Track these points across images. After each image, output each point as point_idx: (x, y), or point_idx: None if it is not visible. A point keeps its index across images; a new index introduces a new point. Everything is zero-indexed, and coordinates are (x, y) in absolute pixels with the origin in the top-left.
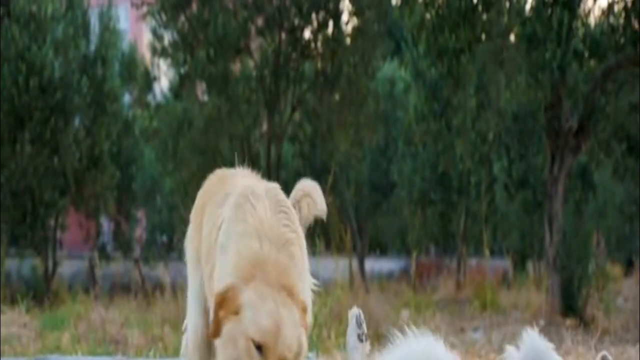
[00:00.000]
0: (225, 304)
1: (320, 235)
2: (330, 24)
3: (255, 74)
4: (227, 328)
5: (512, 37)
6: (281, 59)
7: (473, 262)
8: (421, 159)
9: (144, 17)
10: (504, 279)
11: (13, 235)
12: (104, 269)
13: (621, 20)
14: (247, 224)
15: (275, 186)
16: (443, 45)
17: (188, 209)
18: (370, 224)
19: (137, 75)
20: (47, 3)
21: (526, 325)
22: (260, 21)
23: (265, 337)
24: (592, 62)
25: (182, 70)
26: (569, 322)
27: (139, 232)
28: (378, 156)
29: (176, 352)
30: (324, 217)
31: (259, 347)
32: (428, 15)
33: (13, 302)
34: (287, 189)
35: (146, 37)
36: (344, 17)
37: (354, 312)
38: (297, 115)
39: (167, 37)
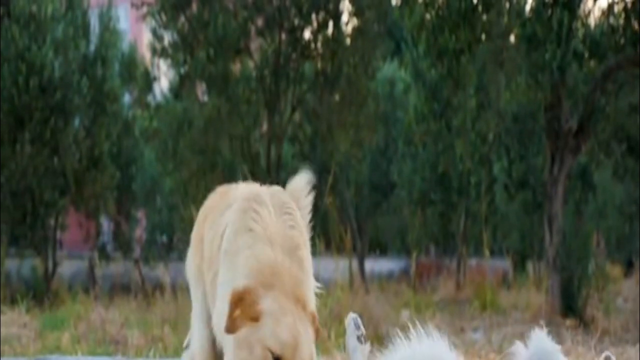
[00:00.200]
0: (243, 304)
1: (320, 236)
2: (330, 24)
3: (255, 74)
4: (245, 332)
5: (512, 38)
6: (281, 59)
7: (473, 262)
8: (421, 159)
9: (144, 17)
10: (504, 280)
11: (13, 235)
12: (104, 269)
13: (621, 21)
14: (255, 227)
15: (278, 189)
16: (443, 45)
17: (188, 209)
18: (370, 224)
19: (137, 76)
20: (47, 3)
21: (526, 326)
22: (260, 21)
23: (284, 350)
24: (592, 63)
25: (182, 71)
26: (568, 322)
27: (139, 232)
28: (378, 156)
29: (176, 352)
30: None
31: (275, 359)
32: (428, 16)
33: (13, 302)
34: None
35: (146, 38)
36: (344, 17)
37: (351, 316)
38: (297, 116)
39: (167, 37)
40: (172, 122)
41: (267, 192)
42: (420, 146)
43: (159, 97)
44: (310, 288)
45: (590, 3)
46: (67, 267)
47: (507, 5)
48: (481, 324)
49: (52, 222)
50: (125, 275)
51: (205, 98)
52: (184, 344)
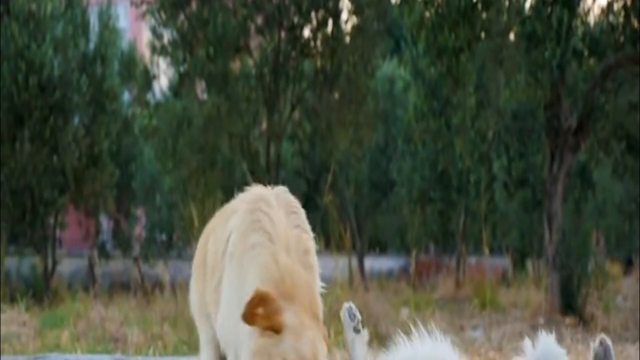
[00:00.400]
0: (267, 307)
1: (320, 234)
2: (330, 22)
3: (254, 72)
4: (265, 342)
5: (511, 36)
6: (280, 57)
7: (472, 260)
8: (421, 157)
9: (143, 15)
10: (503, 278)
11: (12, 233)
12: (104, 267)
13: (621, 19)
14: (265, 227)
15: (282, 188)
16: (442, 43)
17: (188, 207)
18: (369, 222)
19: (136, 74)
20: (47, 1)
21: (526, 324)
22: (259, 20)
23: None
24: (592, 61)
25: (182, 69)
26: (568, 320)
27: (139, 230)
28: (377, 155)
29: (175, 350)
30: None
31: None
32: (427, 14)
33: (12, 300)
34: (287, 187)
35: (145, 36)
36: (344, 15)
37: (345, 307)
38: (296, 114)
39: (167, 35)
40: (172, 120)
41: (272, 192)
42: (420, 144)
43: (158, 95)
44: (319, 297)
45: (589, 1)
46: (67, 266)
47: (507, 3)
48: (481, 322)
49: (51, 220)
50: (124, 273)
51: (205, 96)
52: None
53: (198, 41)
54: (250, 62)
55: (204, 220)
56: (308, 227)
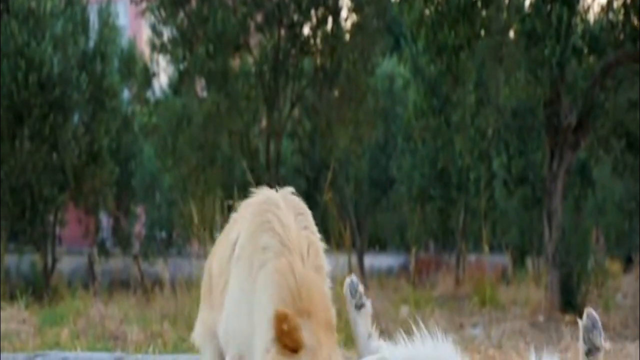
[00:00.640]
0: (287, 325)
1: (319, 232)
2: (330, 20)
3: (254, 70)
4: None
5: (511, 34)
6: (280, 55)
7: (472, 258)
8: (420, 155)
9: (143, 13)
10: (503, 275)
11: (12, 231)
12: (103, 264)
13: (620, 17)
14: (274, 232)
15: (288, 190)
16: (442, 41)
17: (187, 205)
18: (369, 220)
19: (136, 72)
20: None
21: (525, 321)
22: (259, 17)
23: None
24: (592, 59)
25: (182, 67)
26: (568, 318)
27: (138, 228)
28: (377, 152)
29: (175, 348)
30: None
31: None
32: (427, 12)
33: (12, 298)
34: (287, 185)
35: (145, 33)
36: (343, 13)
37: (347, 282)
38: (296, 112)
39: (167, 33)
40: (172, 118)
41: (278, 194)
42: (420, 142)
43: (158, 93)
44: (330, 301)
45: None
46: (67, 263)
47: (507, 1)
48: (480, 320)
49: (51, 217)
50: (124, 271)
51: (205, 94)
52: None
53: (198, 39)
54: (250, 59)
55: (203, 218)
56: (315, 228)
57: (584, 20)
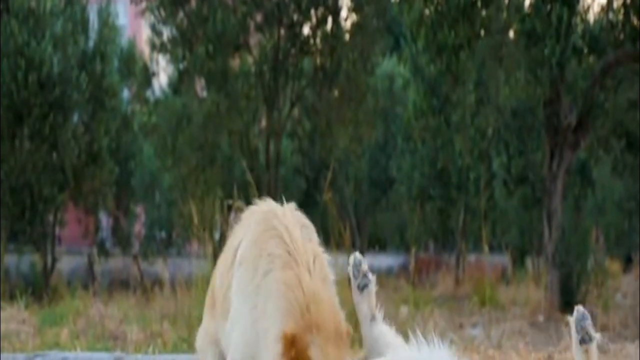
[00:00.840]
0: (295, 351)
1: (319, 232)
2: (329, 19)
3: (254, 69)
4: None
5: (511, 33)
6: (280, 54)
7: (472, 258)
8: (420, 155)
9: (142, 12)
10: (503, 275)
11: (12, 231)
12: (103, 264)
13: (620, 17)
14: (281, 238)
15: (291, 205)
16: (442, 41)
17: (187, 205)
18: (369, 220)
19: (136, 71)
20: None
21: (525, 321)
22: (259, 17)
23: None
24: (591, 59)
25: (181, 66)
26: (567, 318)
27: (138, 227)
28: (377, 152)
29: (175, 348)
30: None
31: None
32: (427, 11)
33: (12, 298)
34: (286, 184)
35: (145, 33)
36: (343, 13)
37: (350, 260)
38: (296, 111)
39: (166, 32)
40: (171, 117)
41: (281, 206)
42: (420, 142)
43: (158, 92)
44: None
45: None
46: (66, 263)
47: (506, 0)
48: (480, 320)
49: (51, 217)
50: (124, 270)
51: (204, 93)
52: None
53: (197, 38)
54: (250, 59)
55: (203, 218)
56: (318, 242)
57: (584, 20)
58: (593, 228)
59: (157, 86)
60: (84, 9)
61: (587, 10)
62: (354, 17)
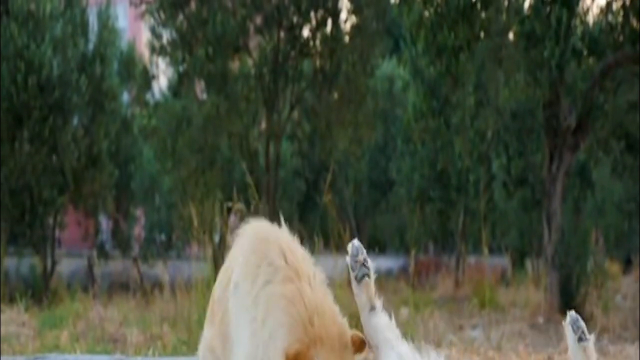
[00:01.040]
0: None
1: (318, 234)
2: (329, 22)
3: (254, 72)
4: None
5: (510, 35)
6: (280, 57)
7: (472, 260)
8: (420, 156)
9: (142, 15)
10: (502, 277)
11: (12, 233)
12: (103, 267)
13: (620, 19)
14: (280, 250)
15: (283, 227)
16: (442, 43)
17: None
18: (369, 222)
19: (135, 74)
20: (46, 1)
21: (525, 323)
22: (259, 19)
23: None
24: (591, 60)
25: (181, 69)
26: (564, 322)
27: (138, 230)
28: (377, 154)
29: (175, 350)
30: None
31: None
32: (427, 13)
33: (12, 300)
34: (286, 187)
35: (145, 36)
36: (343, 15)
37: (349, 248)
38: (295, 114)
39: (166, 35)
40: (171, 120)
41: (272, 227)
42: (419, 144)
43: (157, 95)
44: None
45: (588, 0)
46: (66, 266)
47: (506, 2)
48: (480, 322)
49: (50, 220)
50: (124, 273)
51: (204, 96)
52: None
53: (197, 41)
54: (250, 61)
55: (203, 220)
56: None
57: (584, 22)
58: (593, 230)
59: (156, 89)
60: (83, 12)
61: (586, 12)
62: (353, 19)
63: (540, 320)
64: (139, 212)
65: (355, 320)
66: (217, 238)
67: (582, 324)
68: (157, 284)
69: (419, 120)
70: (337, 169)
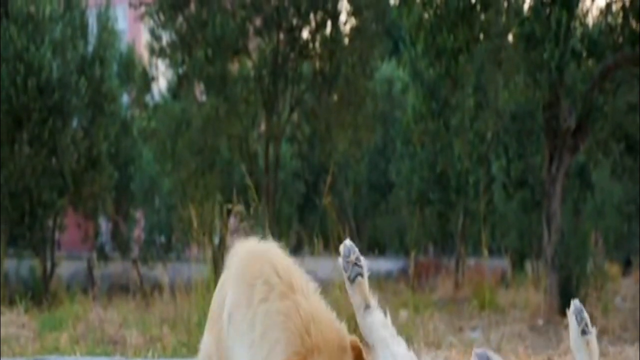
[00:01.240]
0: None
1: (318, 235)
2: (329, 24)
3: (253, 74)
4: None
5: (510, 37)
6: (279, 59)
7: (471, 261)
8: (419, 158)
9: (142, 17)
10: (502, 279)
11: (12, 235)
12: (103, 269)
13: (619, 20)
14: (272, 265)
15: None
16: (441, 45)
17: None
18: (368, 224)
19: (135, 76)
20: (45, 3)
21: (525, 325)
22: (258, 21)
23: None
24: (590, 62)
25: (180, 71)
26: (567, 321)
27: (137, 232)
28: (376, 156)
29: (175, 352)
30: None
31: None
32: (426, 15)
33: (12, 302)
34: (286, 188)
35: (144, 38)
36: (342, 17)
37: (340, 251)
38: (295, 116)
39: (165, 37)
40: (171, 122)
41: (262, 244)
42: (419, 146)
43: (157, 97)
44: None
45: (588, 2)
46: (66, 268)
47: (506, 4)
48: (480, 323)
49: (50, 222)
50: (123, 275)
51: (204, 98)
52: None
53: (197, 43)
54: (249, 63)
55: (203, 222)
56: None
57: (583, 24)
58: (592, 231)
59: (156, 91)
60: (83, 14)
61: (586, 14)
62: (353, 21)
63: (540, 321)
64: (138, 214)
65: (354, 323)
66: (216, 240)
67: (586, 315)
68: (157, 286)
69: (419, 122)
70: (337, 171)
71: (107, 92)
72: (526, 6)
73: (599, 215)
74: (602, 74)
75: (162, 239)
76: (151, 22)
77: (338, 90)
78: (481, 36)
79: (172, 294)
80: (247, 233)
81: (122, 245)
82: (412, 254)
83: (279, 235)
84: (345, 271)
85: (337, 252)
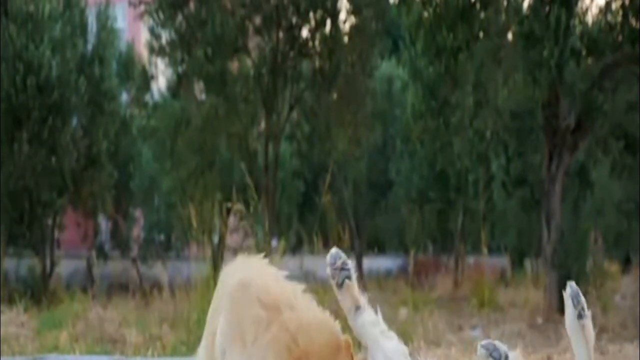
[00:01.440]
0: None
1: (318, 234)
2: (328, 22)
3: (252, 72)
4: None
5: (509, 35)
6: (279, 57)
7: (471, 260)
8: (419, 157)
9: (141, 16)
10: (502, 277)
11: (11, 234)
12: (102, 268)
13: (619, 18)
14: (256, 306)
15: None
16: (441, 43)
17: (186, 208)
18: (368, 222)
19: (134, 75)
20: (45, 2)
21: (524, 323)
22: (257, 20)
23: None
24: (590, 60)
25: (180, 69)
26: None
27: (137, 231)
28: (376, 155)
29: (174, 351)
30: None
31: None
32: (426, 14)
33: (11, 301)
34: (285, 187)
35: (144, 36)
36: (342, 15)
37: (327, 260)
38: (294, 114)
39: (165, 36)
40: (170, 120)
41: (247, 266)
42: (418, 144)
43: (156, 95)
44: (328, 315)
45: (587, 0)
46: (65, 267)
47: (505, 2)
48: (479, 322)
49: (50, 221)
50: (123, 274)
51: (203, 97)
52: None
53: (196, 41)
54: (249, 62)
55: (202, 221)
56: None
57: (583, 22)
58: (592, 230)
59: (155, 89)
60: (82, 13)
61: (585, 12)
62: (352, 19)
63: (540, 320)
64: (138, 213)
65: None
66: (216, 238)
67: (583, 299)
68: (157, 285)
69: (418, 121)
70: (336, 170)
71: (107, 91)
72: (525, 4)
73: (598, 214)
74: (601, 72)
75: (162, 237)
76: (151, 20)
77: (337, 88)
78: (481, 34)
79: (171, 293)
80: (247, 232)
81: (121, 244)
82: (412, 252)
83: (279, 234)
84: (333, 278)
85: None
